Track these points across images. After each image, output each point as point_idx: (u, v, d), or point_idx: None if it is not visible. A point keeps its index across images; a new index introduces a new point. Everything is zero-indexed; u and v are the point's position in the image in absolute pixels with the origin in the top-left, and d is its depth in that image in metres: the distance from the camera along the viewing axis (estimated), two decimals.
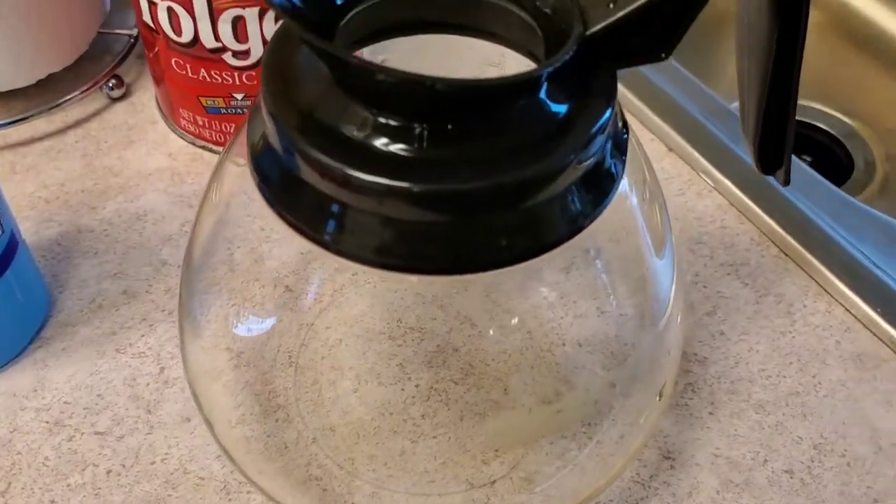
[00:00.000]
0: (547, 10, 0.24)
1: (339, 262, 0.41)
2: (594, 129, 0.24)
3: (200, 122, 0.45)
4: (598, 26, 0.23)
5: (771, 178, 0.30)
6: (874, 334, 0.40)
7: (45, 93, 0.48)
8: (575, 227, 0.25)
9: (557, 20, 0.24)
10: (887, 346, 0.39)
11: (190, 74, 0.43)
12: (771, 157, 0.31)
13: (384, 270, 0.24)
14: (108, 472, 0.34)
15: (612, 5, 0.23)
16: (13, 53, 0.45)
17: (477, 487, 0.34)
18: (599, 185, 0.25)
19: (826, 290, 0.41)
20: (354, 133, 0.23)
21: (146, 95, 0.50)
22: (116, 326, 0.39)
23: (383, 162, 0.22)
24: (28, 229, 0.42)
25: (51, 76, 0.48)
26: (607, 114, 0.24)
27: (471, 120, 0.23)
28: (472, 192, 0.23)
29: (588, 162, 0.24)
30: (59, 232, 0.43)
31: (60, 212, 0.43)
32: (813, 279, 0.42)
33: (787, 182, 0.32)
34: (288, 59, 0.24)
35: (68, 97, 0.48)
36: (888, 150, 0.59)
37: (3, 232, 0.35)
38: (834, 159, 0.60)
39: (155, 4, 0.41)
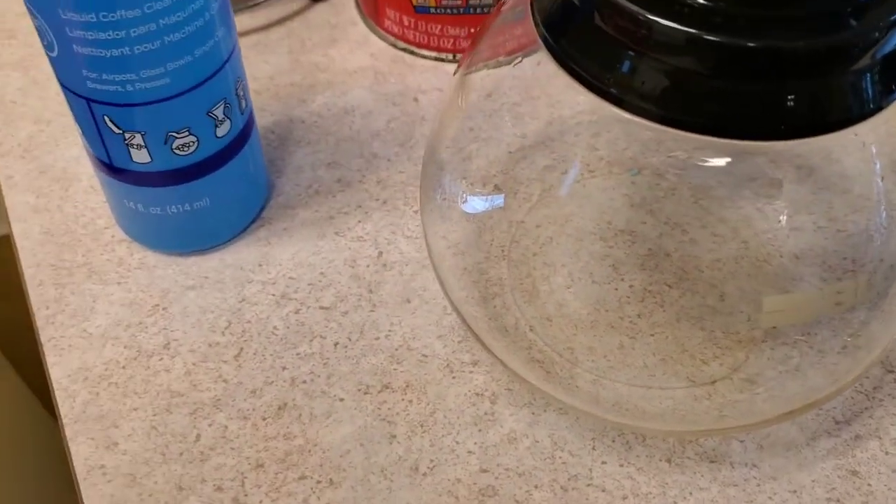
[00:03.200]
0: None
1: (547, 160, 0.42)
2: None
3: (406, 23, 0.46)
4: None
5: None
6: None
7: None
8: (864, 111, 0.24)
9: None
10: None
11: None
12: None
13: (664, 126, 0.24)
14: (336, 343, 0.36)
15: None
16: None
17: (698, 385, 0.34)
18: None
19: None
20: None
21: None
22: (333, 211, 0.40)
23: (683, 10, 0.23)
24: None
25: None
26: None
27: None
28: (779, 50, 0.23)
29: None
30: (272, 121, 0.44)
31: (271, 102, 0.45)
32: None
33: None
34: None
35: None
36: None
37: (247, 105, 0.36)
38: None
39: None
